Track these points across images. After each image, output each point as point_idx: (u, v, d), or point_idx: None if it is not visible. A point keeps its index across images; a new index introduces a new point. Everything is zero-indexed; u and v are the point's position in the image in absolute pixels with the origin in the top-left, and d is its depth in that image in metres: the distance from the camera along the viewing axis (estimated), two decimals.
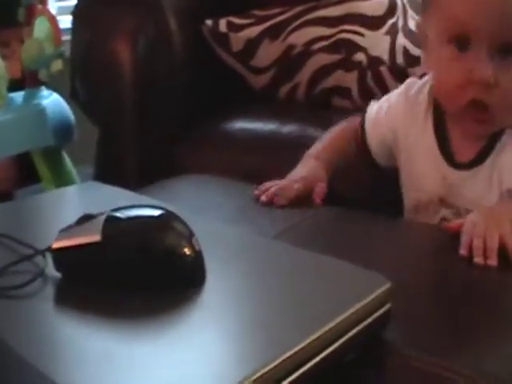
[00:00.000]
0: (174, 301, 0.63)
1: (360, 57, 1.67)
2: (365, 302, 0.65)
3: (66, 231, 0.68)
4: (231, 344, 0.59)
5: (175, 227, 0.68)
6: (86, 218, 0.67)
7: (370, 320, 0.66)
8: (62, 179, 1.77)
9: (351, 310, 0.63)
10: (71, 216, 0.72)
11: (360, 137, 1.18)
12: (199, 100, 1.78)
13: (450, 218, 1.06)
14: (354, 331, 0.63)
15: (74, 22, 1.71)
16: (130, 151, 1.68)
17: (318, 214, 1.03)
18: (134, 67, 1.66)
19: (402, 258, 0.87)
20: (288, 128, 1.61)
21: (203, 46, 1.81)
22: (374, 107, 1.19)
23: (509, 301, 0.79)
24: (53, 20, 1.73)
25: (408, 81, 1.17)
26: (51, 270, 0.68)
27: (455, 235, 0.89)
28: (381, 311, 0.67)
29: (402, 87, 1.17)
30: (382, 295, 0.67)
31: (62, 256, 0.68)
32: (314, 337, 0.59)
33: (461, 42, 0.98)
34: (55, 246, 0.67)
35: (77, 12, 1.72)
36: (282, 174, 1.32)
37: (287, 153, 1.49)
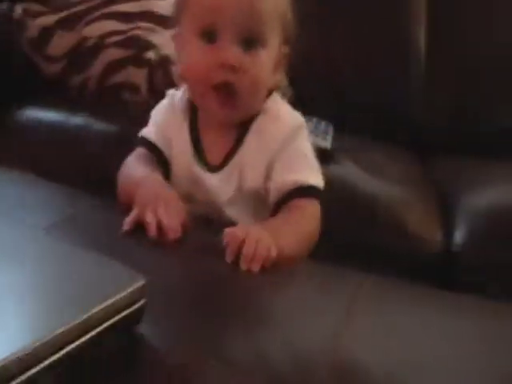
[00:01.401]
0: None
1: (151, 54, 1.74)
2: (117, 297, 0.68)
3: None
4: None
5: None
6: None
7: (122, 315, 0.69)
8: None
9: (102, 305, 0.66)
10: None
11: (151, 153, 1.18)
12: None
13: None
14: (104, 325, 0.67)
15: None
16: None
17: (92, 208, 1.07)
18: None
19: (167, 260, 0.92)
20: (76, 120, 1.67)
21: None
22: (146, 129, 1.21)
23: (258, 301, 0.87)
24: None
25: (169, 91, 1.23)
26: None
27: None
28: (134, 307, 0.70)
29: (165, 98, 1.22)
30: (136, 291, 0.70)
31: None
32: (59, 331, 0.62)
33: (209, 34, 1.06)
34: None
35: None
36: (65, 165, 1.41)
37: (73, 145, 1.62)
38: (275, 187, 1.10)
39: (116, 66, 1.76)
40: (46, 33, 1.80)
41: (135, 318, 0.71)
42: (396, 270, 1.29)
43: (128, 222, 0.94)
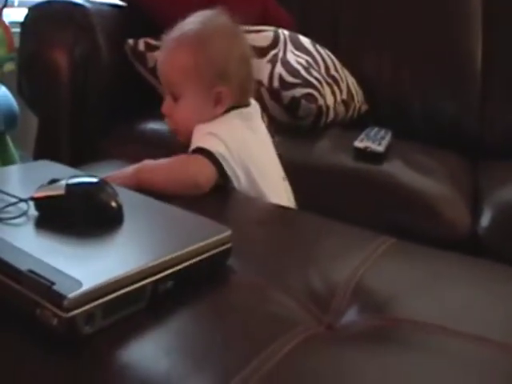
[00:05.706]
0: (105, 231, 0.92)
1: None
2: (211, 240, 0.93)
3: (42, 187, 0.94)
4: (135, 249, 0.89)
5: (106, 189, 0.95)
6: (53, 181, 0.95)
7: (214, 252, 0.92)
8: (5, 159, 2.00)
9: (203, 243, 0.91)
10: (36, 182, 0.97)
11: None
12: (121, 103, 2.08)
13: None
14: (203, 256, 0.91)
15: (22, 34, 1.95)
16: (64, 139, 1.93)
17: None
18: (70, 73, 1.96)
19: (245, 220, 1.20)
20: None
21: (125, 60, 2.11)
22: None
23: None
24: (7, 30, 1.99)
25: None
26: (32, 212, 0.93)
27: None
28: (222, 248, 0.94)
29: None
30: (224, 237, 0.94)
31: (40, 202, 0.94)
32: (174, 255, 0.87)
33: None
34: (36, 195, 0.94)
35: (25, 26, 1.96)
36: None
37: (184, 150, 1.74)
38: None
39: None
40: None
41: (224, 255, 0.95)
42: None
43: None
